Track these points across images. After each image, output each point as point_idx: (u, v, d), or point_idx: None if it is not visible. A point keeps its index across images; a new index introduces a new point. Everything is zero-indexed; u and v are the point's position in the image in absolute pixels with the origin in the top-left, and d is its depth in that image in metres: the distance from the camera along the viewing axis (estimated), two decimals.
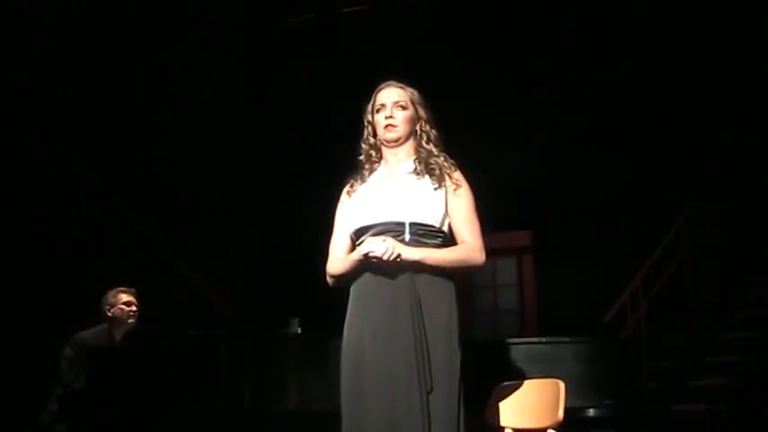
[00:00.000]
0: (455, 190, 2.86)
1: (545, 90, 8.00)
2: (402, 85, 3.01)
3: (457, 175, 2.90)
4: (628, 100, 7.89)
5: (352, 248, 2.88)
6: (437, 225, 2.82)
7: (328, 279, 2.94)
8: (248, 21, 8.72)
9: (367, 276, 2.79)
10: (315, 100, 8.37)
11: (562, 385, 2.91)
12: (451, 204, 2.85)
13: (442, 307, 2.76)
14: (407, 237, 2.77)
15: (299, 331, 4.36)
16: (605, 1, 7.83)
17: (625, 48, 7.85)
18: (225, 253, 7.72)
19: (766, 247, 7.30)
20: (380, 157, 2.99)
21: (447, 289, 2.80)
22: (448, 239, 2.85)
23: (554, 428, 2.89)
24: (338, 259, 2.91)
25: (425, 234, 2.80)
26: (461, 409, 2.70)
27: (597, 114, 7.92)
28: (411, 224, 2.78)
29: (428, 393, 2.65)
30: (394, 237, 2.75)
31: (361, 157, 3.00)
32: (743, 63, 7.64)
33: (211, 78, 8.12)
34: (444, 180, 2.86)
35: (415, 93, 3.00)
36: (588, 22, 7.85)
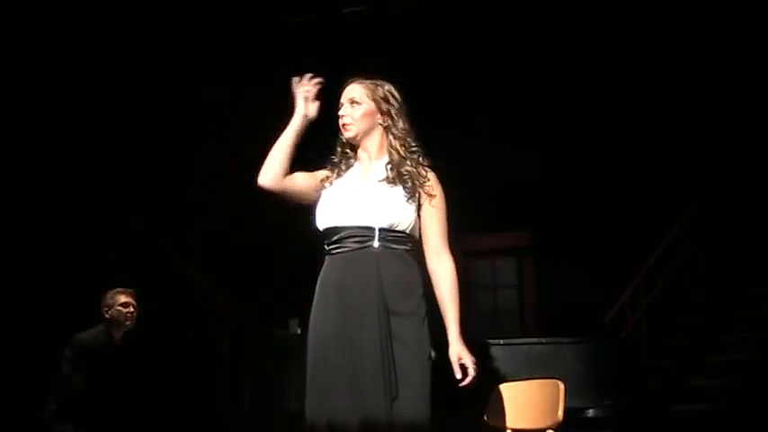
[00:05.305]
0: (430, 201, 2.85)
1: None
2: (362, 80, 2.97)
3: (430, 182, 2.86)
4: (628, 100, 7.89)
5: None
6: (407, 231, 2.82)
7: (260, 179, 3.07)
8: (248, 20, 8.71)
9: (333, 273, 2.79)
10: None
11: (562, 385, 2.92)
12: (425, 214, 2.85)
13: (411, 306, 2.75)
14: (376, 243, 2.77)
15: (299, 331, 4.36)
16: (605, 1, 7.82)
17: (625, 47, 7.84)
18: (225, 252, 7.71)
19: (766, 247, 7.30)
20: (356, 154, 2.97)
21: (417, 293, 2.78)
22: (417, 244, 2.85)
23: (554, 429, 2.89)
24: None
25: (394, 240, 2.79)
26: (428, 417, 2.67)
27: (597, 114, 7.92)
28: (380, 230, 2.78)
29: (393, 400, 2.61)
30: (362, 241, 2.76)
31: (338, 150, 3.00)
32: (743, 63, 7.63)
33: (211, 78, 8.11)
34: (417, 190, 2.84)
35: (381, 87, 2.94)
36: (589, 21, 7.84)
